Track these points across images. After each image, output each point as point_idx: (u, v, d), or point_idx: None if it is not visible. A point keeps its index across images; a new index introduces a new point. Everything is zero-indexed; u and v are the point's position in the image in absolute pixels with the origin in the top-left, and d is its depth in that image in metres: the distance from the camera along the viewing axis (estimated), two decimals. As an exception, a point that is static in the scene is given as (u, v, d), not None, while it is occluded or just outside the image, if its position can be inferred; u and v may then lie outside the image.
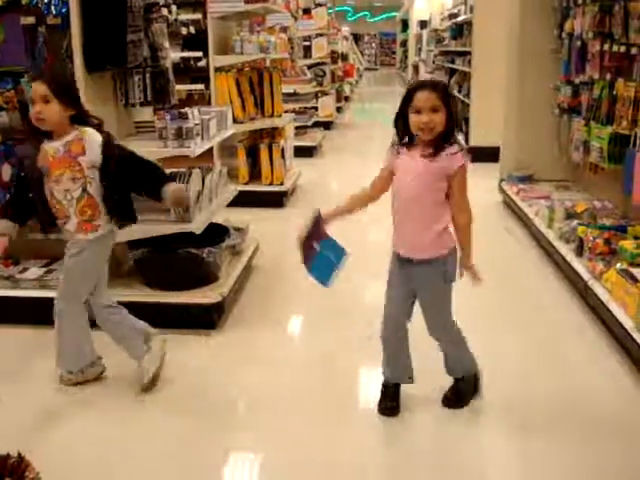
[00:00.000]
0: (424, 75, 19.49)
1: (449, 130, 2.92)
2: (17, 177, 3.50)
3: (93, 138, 3.18)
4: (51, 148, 3.16)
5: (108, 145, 3.20)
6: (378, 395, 3.31)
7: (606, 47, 5.11)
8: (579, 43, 5.75)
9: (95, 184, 3.20)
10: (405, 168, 3.00)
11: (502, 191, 7.18)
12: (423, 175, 2.95)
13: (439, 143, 2.93)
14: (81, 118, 3.21)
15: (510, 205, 6.88)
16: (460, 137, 3.18)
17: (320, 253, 3.09)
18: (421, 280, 3.11)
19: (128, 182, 3.27)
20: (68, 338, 3.43)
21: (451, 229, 3.07)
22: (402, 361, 3.27)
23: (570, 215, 5.33)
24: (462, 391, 3.34)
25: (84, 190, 3.18)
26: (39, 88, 3.09)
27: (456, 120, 3.01)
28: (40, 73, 3.46)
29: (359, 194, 3.19)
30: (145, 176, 3.29)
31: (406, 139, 3.02)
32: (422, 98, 2.87)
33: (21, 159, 3.49)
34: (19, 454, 2.32)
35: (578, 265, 4.53)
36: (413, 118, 2.89)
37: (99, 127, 3.25)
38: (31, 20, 3.97)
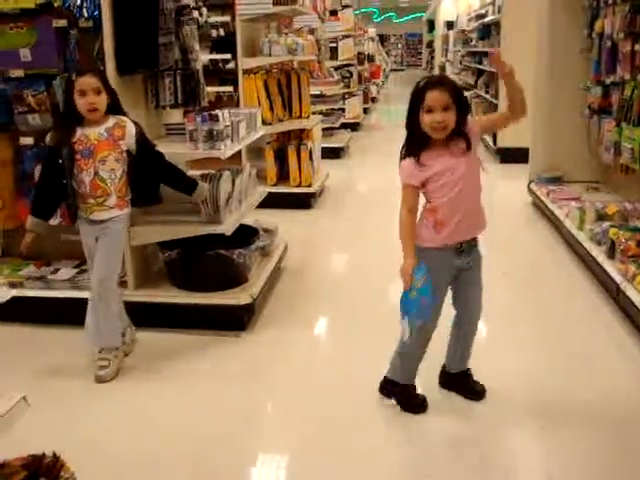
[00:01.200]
0: (451, 76, 19.42)
1: (459, 125, 2.94)
2: (46, 167, 3.60)
3: (130, 126, 3.58)
4: (93, 132, 3.50)
5: (142, 135, 3.63)
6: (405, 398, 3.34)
7: (637, 47, 5.05)
8: (609, 43, 5.69)
9: (127, 166, 3.60)
10: (448, 168, 2.97)
11: (532, 192, 7.12)
12: (470, 167, 2.99)
13: (463, 135, 2.97)
14: (115, 108, 3.58)
15: (540, 207, 6.82)
16: (488, 137, 3.19)
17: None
18: (475, 260, 3.16)
19: (156, 174, 3.75)
20: (114, 315, 3.69)
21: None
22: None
23: (601, 217, 5.27)
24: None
25: (123, 170, 3.57)
26: (91, 80, 3.42)
27: (468, 107, 3.05)
28: (88, 68, 3.74)
29: (413, 225, 3.08)
30: (172, 177, 3.82)
31: (418, 142, 2.99)
32: (433, 97, 2.87)
33: (50, 148, 3.56)
34: (54, 454, 2.34)
35: (610, 267, 4.48)
36: (426, 117, 2.89)
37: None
38: (63, 23, 3.99)
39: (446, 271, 3.12)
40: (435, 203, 3.03)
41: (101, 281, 3.58)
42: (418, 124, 2.93)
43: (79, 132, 3.49)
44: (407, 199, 3.05)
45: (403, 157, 3.04)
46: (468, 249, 3.11)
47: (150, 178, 3.72)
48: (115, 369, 3.64)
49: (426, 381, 3.41)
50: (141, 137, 3.61)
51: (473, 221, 3.09)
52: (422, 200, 3.11)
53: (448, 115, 2.88)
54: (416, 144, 2.99)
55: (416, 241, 3.07)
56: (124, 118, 3.59)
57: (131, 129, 3.57)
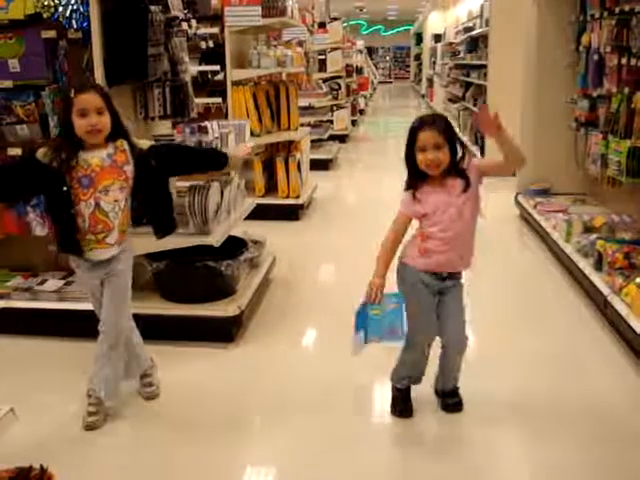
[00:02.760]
0: (439, 89, 19.52)
1: (454, 162, 3.03)
2: (52, 196, 3.16)
3: (129, 148, 3.19)
4: (95, 158, 3.09)
5: (140, 156, 3.21)
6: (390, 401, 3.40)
7: (624, 61, 5.09)
8: (596, 57, 5.73)
9: (132, 194, 3.23)
10: (441, 206, 3.06)
11: (519, 205, 7.16)
12: (463, 206, 3.06)
13: (461, 175, 3.05)
14: (116, 131, 3.16)
15: (527, 219, 6.86)
16: (475, 149, 3.24)
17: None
18: (454, 290, 3.21)
19: (181, 169, 3.55)
20: (119, 368, 3.38)
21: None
22: (423, 367, 3.35)
23: (588, 229, 5.31)
24: (460, 394, 3.42)
25: (126, 200, 3.19)
26: (94, 99, 3.05)
27: (463, 146, 3.14)
28: (89, 84, 3.40)
29: (392, 251, 3.19)
30: (200, 157, 3.64)
31: (416, 177, 3.10)
32: (425, 137, 2.99)
33: (52, 172, 3.08)
34: (41, 466, 2.33)
35: (597, 279, 4.50)
36: (420, 156, 3.01)
37: (128, 138, 3.23)
38: (52, 34, 3.99)
39: (425, 288, 3.18)
40: (428, 233, 3.11)
41: (108, 332, 3.27)
42: (414, 161, 3.04)
43: (86, 156, 3.09)
44: (397, 223, 3.18)
45: (405, 188, 3.15)
46: (444, 282, 3.19)
47: (165, 201, 3.39)
48: (104, 416, 3.31)
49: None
50: (140, 158, 3.19)
51: (459, 260, 3.16)
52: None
53: (440, 154, 2.98)
54: (413, 179, 3.11)
55: (402, 257, 3.20)
56: (123, 140, 3.18)
57: (130, 152, 3.18)
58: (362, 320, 3.12)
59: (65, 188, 3.05)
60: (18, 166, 3.29)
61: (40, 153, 3.09)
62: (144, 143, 3.32)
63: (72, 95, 3.09)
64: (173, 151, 3.54)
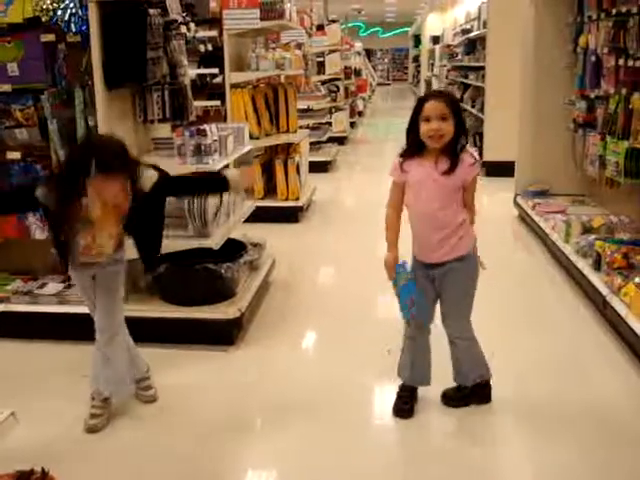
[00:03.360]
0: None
1: (457, 138, 3.04)
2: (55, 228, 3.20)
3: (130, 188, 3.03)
4: (97, 209, 3.02)
5: (137, 193, 3.05)
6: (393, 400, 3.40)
7: (621, 62, 5.11)
8: (594, 58, 5.75)
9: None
10: (421, 183, 3.09)
11: (517, 206, 7.17)
12: (443, 189, 3.06)
13: (454, 157, 3.04)
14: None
15: (526, 220, 6.87)
16: (474, 151, 3.25)
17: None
18: (447, 279, 3.20)
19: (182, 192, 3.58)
20: (115, 362, 3.31)
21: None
22: (425, 364, 3.35)
23: (587, 230, 5.32)
24: (469, 397, 3.41)
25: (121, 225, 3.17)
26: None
27: (465, 129, 3.13)
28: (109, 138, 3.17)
29: (395, 220, 3.24)
30: (198, 186, 3.57)
31: (413, 149, 3.12)
32: (431, 107, 3.00)
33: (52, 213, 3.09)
34: (42, 470, 2.34)
35: (596, 280, 4.51)
36: (423, 126, 3.01)
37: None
38: (51, 37, 4.00)
39: (421, 275, 3.23)
40: (408, 208, 3.19)
41: (102, 332, 3.28)
42: (416, 132, 3.05)
43: (82, 202, 3.00)
44: (391, 196, 3.24)
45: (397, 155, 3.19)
46: (433, 269, 3.21)
47: (156, 229, 3.31)
48: (106, 418, 3.32)
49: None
50: (139, 194, 3.04)
51: (436, 247, 3.15)
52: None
53: (445, 125, 2.98)
54: (410, 150, 3.13)
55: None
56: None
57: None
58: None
59: (65, 226, 3.08)
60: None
61: (40, 194, 3.01)
62: (147, 182, 3.07)
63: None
64: (172, 186, 3.30)
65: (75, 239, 3.11)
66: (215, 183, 3.50)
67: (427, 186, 3.07)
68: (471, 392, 3.40)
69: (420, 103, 3.05)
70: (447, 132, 2.99)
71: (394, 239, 3.21)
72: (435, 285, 3.23)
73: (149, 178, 3.07)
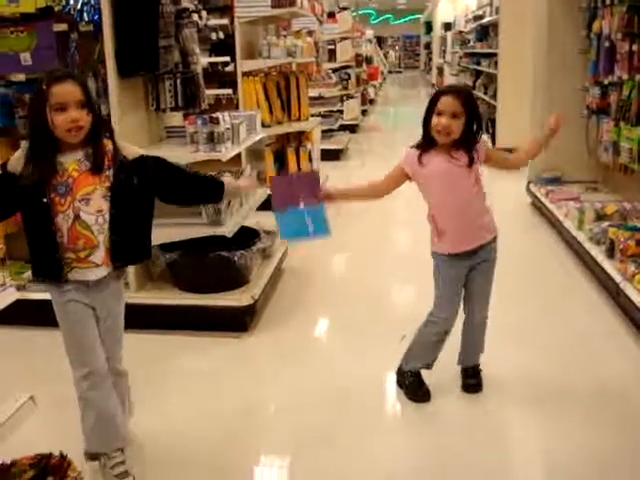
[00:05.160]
0: (449, 77, 19.44)
1: (466, 136, 3.05)
2: (30, 216, 2.63)
3: (113, 151, 2.66)
4: (71, 162, 2.58)
5: (121, 165, 2.65)
6: (406, 388, 3.44)
7: (635, 47, 5.07)
8: (607, 44, 5.71)
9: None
10: (445, 175, 3.10)
11: (530, 193, 7.15)
12: (470, 177, 3.09)
13: (470, 153, 3.07)
14: (96, 130, 2.62)
15: (538, 207, 6.85)
16: (486, 138, 3.28)
17: (300, 212, 3.12)
18: (484, 262, 3.23)
19: (167, 194, 2.86)
20: (116, 408, 2.83)
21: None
22: (439, 351, 3.39)
23: (600, 217, 5.30)
24: (480, 374, 3.48)
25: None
26: (74, 90, 2.50)
27: (480, 124, 3.15)
28: (67, 73, 2.65)
29: (367, 185, 3.32)
30: (191, 187, 2.94)
31: (428, 142, 3.12)
32: (445, 102, 3.01)
33: (27, 187, 2.55)
34: (61, 453, 2.37)
35: (609, 267, 4.50)
36: (434, 119, 3.03)
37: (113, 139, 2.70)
38: (63, 27, 4.01)
39: (456, 273, 3.24)
40: (432, 211, 3.18)
41: (115, 363, 2.86)
42: (429, 125, 3.06)
43: (60, 158, 2.58)
44: (389, 174, 3.25)
45: (411, 146, 3.19)
46: (464, 259, 3.21)
47: (140, 228, 2.76)
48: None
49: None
50: (122, 164, 2.64)
51: (476, 232, 3.18)
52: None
53: (454, 122, 2.99)
54: (425, 143, 3.13)
55: (432, 247, 3.26)
56: (107, 140, 2.66)
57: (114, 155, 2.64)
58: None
59: (45, 200, 2.55)
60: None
61: (12, 162, 2.60)
62: (132, 150, 2.74)
63: (45, 86, 2.51)
64: (163, 170, 2.82)
65: (56, 231, 2.57)
66: (210, 186, 2.98)
67: (451, 174, 3.08)
68: (479, 372, 3.49)
69: (436, 96, 3.06)
70: (455, 130, 3.00)
71: (348, 189, 3.41)
72: (469, 274, 3.24)
73: (133, 149, 2.74)
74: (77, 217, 2.57)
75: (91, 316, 2.72)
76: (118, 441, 2.77)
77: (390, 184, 3.25)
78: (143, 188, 2.69)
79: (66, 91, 2.50)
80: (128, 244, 2.70)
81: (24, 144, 2.65)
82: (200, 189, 2.98)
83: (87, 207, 2.57)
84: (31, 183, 2.53)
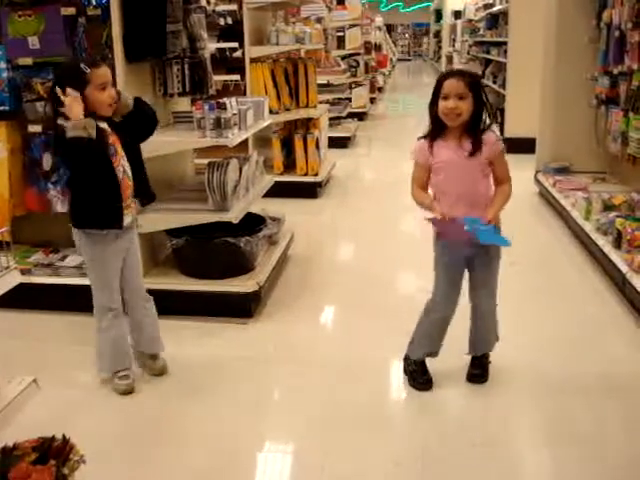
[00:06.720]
0: (458, 66, 19.36)
1: (476, 118, 3.02)
2: (93, 168, 3.09)
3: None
4: (107, 127, 3.16)
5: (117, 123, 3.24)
6: (408, 375, 3.45)
7: (645, 37, 5.04)
8: (617, 33, 5.67)
9: None
10: (451, 164, 3.08)
11: (538, 182, 7.13)
12: (476, 167, 3.06)
13: (477, 138, 3.04)
14: None
15: (546, 197, 6.83)
16: (495, 128, 3.23)
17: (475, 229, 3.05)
18: (478, 257, 3.21)
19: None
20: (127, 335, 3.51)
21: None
22: (442, 338, 3.39)
23: (608, 207, 5.27)
24: (487, 366, 3.47)
25: None
26: (108, 72, 3.10)
27: (489, 109, 3.13)
28: (101, 57, 3.67)
29: (420, 192, 3.21)
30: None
31: (436, 130, 3.11)
32: (449, 85, 3.00)
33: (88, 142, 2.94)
34: (64, 437, 2.38)
35: (616, 257, 4.49)
36: (441, 104, 3.02)
37: None
38: (71, 11, 4.00)
39: (450, 260, 3.23)
40: (435, 190, 3.17)
41: (144, 291, 3.54)
42: (436, 111, 3.05)
43: (101, 125, 3.10)
44: (416, 177, 3.21)
45: (420, 138, 3.17)
46: (463, 245, 3.19)
47: (141, 167, 3.38)
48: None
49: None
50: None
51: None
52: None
53: (462, 103, 2.97)
54: (432, 130, 3.12)
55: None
56: None
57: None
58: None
59: (111, 158, 3.12)
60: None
61: (77, 131, 2.92)
62: (128, 96, 3.25)
63: (87, 70, 3.01)
64: (143, 105, 3.35)
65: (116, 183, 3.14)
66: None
67: (458, 166, 3.07)
68: (486, 362, 3.48)
69: (440, 81, 3.05)
70: (464, 111, 2.98)
71: (430, 197, 3.16)
72: (470, 263, 3.24)
73: (129, 97, 3.25)
74: (124, 171, 3.20)
75: (121, 261, 3.33)
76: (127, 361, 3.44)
77: (424, 181, 3.18)
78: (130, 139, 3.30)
79: (105, 73, 3.09)
80: (142, 186, 3.36)
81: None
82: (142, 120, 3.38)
83: (124, 160, 3.21)
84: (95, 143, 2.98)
